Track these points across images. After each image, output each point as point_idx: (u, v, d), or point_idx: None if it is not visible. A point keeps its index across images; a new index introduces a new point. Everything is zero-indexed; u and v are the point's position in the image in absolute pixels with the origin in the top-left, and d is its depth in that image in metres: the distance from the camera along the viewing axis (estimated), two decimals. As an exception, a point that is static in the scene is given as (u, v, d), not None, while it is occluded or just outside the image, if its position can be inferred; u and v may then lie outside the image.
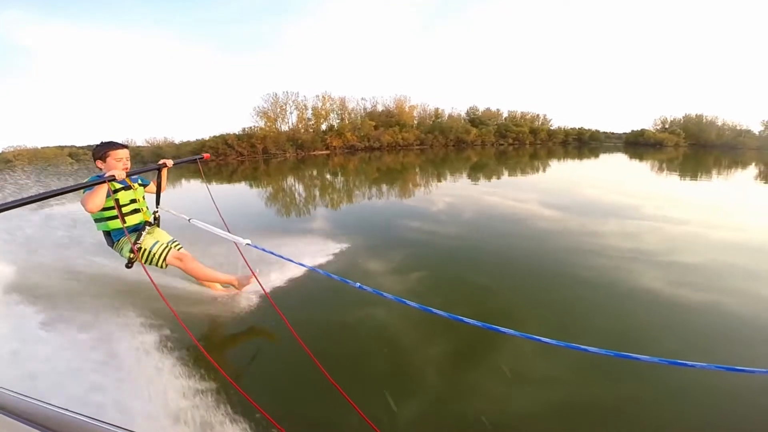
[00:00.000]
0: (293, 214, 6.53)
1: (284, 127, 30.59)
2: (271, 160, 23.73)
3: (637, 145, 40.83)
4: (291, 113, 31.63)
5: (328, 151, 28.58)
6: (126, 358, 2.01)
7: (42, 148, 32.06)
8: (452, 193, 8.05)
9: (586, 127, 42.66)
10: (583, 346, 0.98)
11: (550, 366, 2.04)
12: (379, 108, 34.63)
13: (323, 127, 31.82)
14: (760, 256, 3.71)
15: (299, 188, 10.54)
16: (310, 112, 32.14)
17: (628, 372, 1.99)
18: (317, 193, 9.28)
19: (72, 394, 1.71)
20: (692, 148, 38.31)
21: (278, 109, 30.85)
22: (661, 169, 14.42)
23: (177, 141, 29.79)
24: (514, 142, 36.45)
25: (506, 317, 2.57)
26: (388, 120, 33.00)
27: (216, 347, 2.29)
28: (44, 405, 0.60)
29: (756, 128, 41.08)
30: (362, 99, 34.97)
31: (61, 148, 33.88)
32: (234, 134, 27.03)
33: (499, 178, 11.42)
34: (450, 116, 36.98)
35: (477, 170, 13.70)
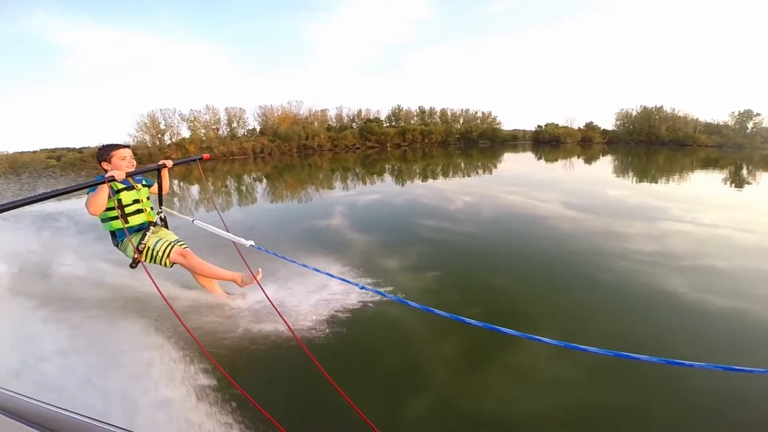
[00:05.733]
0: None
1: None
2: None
3: (540, 142, 34.62)
4: (168, 128, 35.52)
5: (164, 163, 31.77)
6: (128, 359, 2.06)
7: (22, 153, 34.91)
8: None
9: (482, 125, 37.46)
10: (582, 347, 0.99)
11: (557, 366, 2.08)
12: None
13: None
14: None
15: None
16: (185, 126, 35.59)
17: (638, 373, 2.00)
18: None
19: (73, 395, 1.74)
20: (642, 145, 31.39)
21: (150, 123, 34.98)
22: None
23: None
24: (376, 145, 34.54)
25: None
26: (271, 128, 34.78)
27: (218, 349, 2.25)
28: (44, 405, 0.60)
29: (729, 122, 31.50)
30: (259, 107, 36.81)
31: (53, 151, 36.75)
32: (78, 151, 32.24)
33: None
34: (307, 120, 36.57)
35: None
